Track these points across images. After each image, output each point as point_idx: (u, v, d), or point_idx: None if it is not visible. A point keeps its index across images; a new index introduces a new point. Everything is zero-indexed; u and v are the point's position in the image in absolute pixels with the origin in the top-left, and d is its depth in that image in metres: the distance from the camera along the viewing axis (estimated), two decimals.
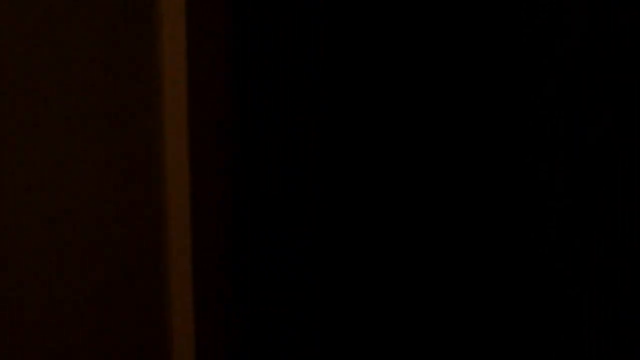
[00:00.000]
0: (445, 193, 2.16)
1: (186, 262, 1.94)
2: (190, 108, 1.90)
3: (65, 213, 1.86)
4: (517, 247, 2.13)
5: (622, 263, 2.08)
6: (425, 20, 2.12)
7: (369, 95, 2.17)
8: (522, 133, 2.10)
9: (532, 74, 2.08)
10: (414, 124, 2.15)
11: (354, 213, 2.20)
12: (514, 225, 2.13)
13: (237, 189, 2.23)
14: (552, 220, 2.11)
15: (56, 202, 1.85)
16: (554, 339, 2.14)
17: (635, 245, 2.07)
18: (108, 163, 1.87)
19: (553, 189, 2.10)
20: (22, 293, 1.85)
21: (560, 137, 2.08)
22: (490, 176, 2.13)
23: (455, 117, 2.13)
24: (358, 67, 2.16)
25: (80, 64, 1.84)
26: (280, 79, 2.18)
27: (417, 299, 2.19)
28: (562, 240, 2.11)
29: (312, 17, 2.15)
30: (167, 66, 1.90)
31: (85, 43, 1.83)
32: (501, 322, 2.16)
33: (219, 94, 2.05)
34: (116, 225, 1.89)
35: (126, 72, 1.86)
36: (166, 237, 1.94)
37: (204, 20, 1.96)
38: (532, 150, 2.10)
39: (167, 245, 1.93)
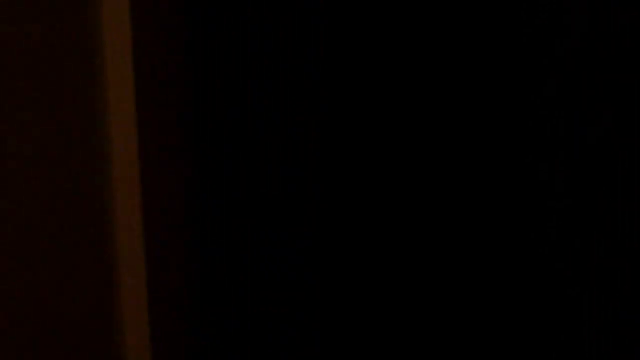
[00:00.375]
0: (444, 193, 2.16)
1: (140, 268, 1.89)
2: (138, 102, 1.85)
3: (8, 213, 1.82)
4: (517, 247, 2.13)
5: (622, 263, 2.08)
6: (423, 19, 2.12)
7: (345, 88, 2.17)
8: (522, 133, 2.10)
9: (532, 74, 2.08)
10: (412, 124, 2.15)
11: (333, 212, 2.20)
12: (514, 225, 2.13)
13: (193, 187, 2.23)
14: (552, 220, 2.11)
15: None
16: (554, 339, 2.14)
17: (635, 245, 2.07)
18: (51, 160, 1.82)
19: (553, 189, 2.10)
20: None
21: (560, 137, 2.08)
22: (490, 176, 2.13)
23: (455, 117, 2.13)
24: (344, 64, 2.16)
25: (21, 57, 1.79)
26: (239, 69, 2.18)
27: (415, 300, 2.19)
28: (562, 240, 2.11)
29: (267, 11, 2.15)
30: (111, 57, 1.82)
31: (24, 31, 1.78)
32: (501, 322, 2.16)
33: (171, 84, 2.01)
34: (62, 224, 1.84)
35: (68, 62, 1.81)
36: (116, 240, 1.89)
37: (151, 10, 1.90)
38: (532, 150, 2.10)
39: (117, 249, 1.88)
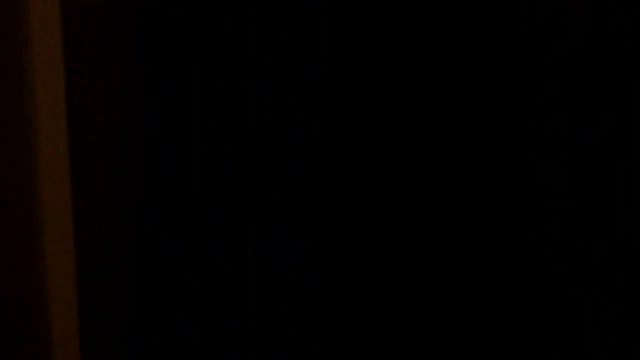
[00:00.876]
0: (445, 193, 2.16)
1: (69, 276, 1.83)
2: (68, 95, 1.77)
3: None
4: (517, 247, 2.13)
5: (622, 263, 2.08)
6: (423, 19, 2.12)
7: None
8: (522, 133, 2.10)
9: (532, 74, 2.08)
10: (412, 124, 2.15)
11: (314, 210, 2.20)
12: (514, 225, 2.13)
13: (130, 185, 2.23)
14: (552, 220, 2.11)
15: None
16: (554, 339, 2.14)
17: (635, 245, 2.07)
18: None
19: (553, 189, 2.10)
20: None
21: (560, 137, 2.08)
22: (490, 176, 2.13)
23: (455, 117, 2.13)
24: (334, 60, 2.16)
25: None
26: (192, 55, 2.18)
27: (415, 300, 2.19)
28: (562, 240, 2.11)
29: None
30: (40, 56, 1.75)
31: None
32: (501, 322, 2.16)
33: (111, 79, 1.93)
34: None
35: None
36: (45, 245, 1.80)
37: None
38: (532, 150, 2.10)
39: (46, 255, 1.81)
